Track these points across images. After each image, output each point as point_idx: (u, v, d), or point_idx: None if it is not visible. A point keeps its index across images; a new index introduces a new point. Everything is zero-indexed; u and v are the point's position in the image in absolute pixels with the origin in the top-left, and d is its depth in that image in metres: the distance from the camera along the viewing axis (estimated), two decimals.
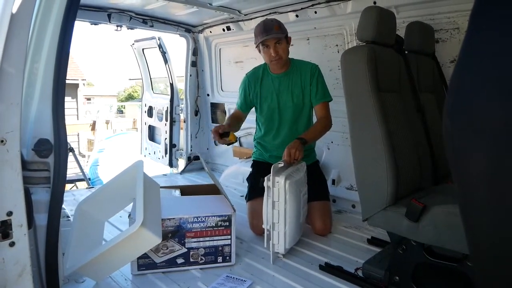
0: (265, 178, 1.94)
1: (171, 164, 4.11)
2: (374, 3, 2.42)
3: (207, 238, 1.88)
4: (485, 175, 0.57)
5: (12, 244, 1.09)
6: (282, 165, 2.04)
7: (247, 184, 2.62)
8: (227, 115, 3.99)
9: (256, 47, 2.39)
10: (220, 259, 1.92)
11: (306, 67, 2.44)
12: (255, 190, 2.33)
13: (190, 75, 4.14)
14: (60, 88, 1.24)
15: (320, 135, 2.34)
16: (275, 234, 1.96)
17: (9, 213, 1.08)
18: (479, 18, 0.57)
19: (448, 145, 0.59)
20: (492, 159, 0.55)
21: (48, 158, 1.25)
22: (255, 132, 2.69)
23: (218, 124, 2.67)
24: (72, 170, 6.05)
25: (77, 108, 13.32)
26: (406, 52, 2.02)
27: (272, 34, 2.28)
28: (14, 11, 1.01)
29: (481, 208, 0.59)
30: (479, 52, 0.56)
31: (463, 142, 0.57)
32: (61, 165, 1.25)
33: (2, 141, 1.06)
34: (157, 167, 4.43)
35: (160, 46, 3.85)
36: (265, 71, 2.52)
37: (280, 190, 1.92)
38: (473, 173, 0.58)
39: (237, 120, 2.53)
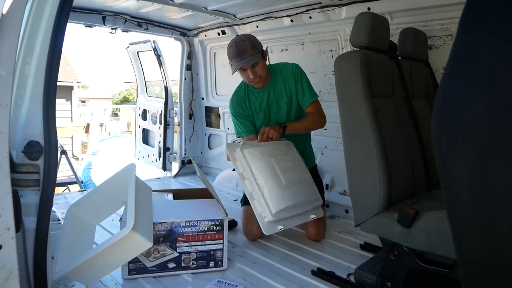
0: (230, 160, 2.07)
1: (164, 168, 4.10)
2: (368, 9, 2.44)
3: (199, 243, 1.87)
4: (470, 181, 0.57)
5: None
6: (239, 141, 2.14)
7: (240, 188, 2.61)
8: (221, 119, 3.99)
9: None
10: (212, 263, 1.91)
11: (287, 71, 2.38)
12: None
13: (185, 79, 4.14)
14: (51, 90, 1.23)
15: (305, 127, 2.31)
16: (255, 204, 1.99)
17: None
18: (467, 27, 0.57)
19: (436, 152, 0.60)
20: (476, 166, 0.55)
21: (38, 161, 1.23)
22: None
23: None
24: (64, 172, 6.01)
25: (71, 111, 13.23)
26: (399, 58, 2.03)
27: (246, 58, 2.17)
28: (4, 12, 1.00)
29: (466, 215, 0.59)
30: (466, 60, 0.57)
31: (450, 149, 0.57)
32: (51, 168, 1.23)
33: None
34: (150, 170, 4.41)
35: (155, 49, 3.84)
36: (248, 88, 2.44)
37: (241, 160, 2.00)
38: (458, 179, 0.59)
39: None
